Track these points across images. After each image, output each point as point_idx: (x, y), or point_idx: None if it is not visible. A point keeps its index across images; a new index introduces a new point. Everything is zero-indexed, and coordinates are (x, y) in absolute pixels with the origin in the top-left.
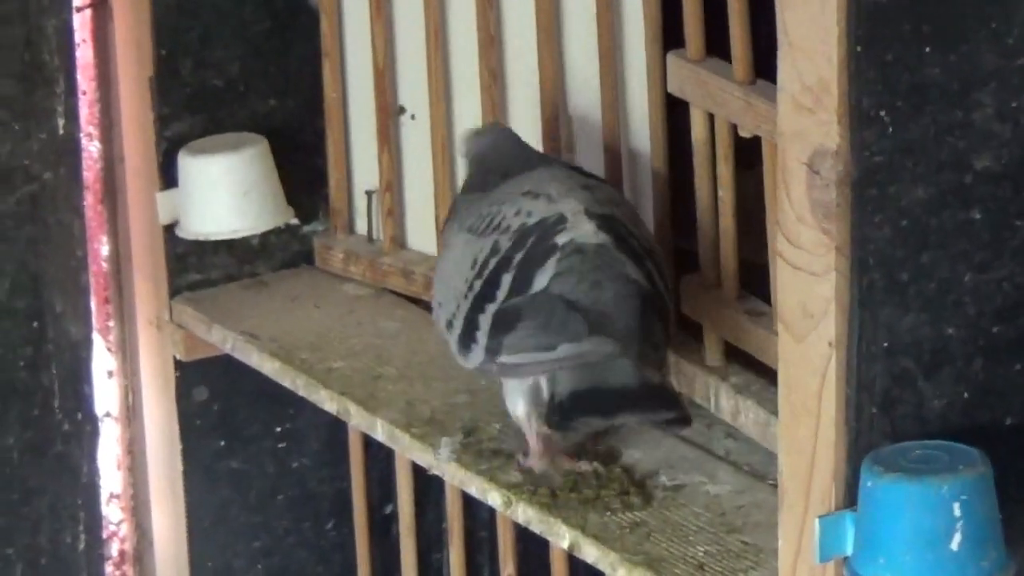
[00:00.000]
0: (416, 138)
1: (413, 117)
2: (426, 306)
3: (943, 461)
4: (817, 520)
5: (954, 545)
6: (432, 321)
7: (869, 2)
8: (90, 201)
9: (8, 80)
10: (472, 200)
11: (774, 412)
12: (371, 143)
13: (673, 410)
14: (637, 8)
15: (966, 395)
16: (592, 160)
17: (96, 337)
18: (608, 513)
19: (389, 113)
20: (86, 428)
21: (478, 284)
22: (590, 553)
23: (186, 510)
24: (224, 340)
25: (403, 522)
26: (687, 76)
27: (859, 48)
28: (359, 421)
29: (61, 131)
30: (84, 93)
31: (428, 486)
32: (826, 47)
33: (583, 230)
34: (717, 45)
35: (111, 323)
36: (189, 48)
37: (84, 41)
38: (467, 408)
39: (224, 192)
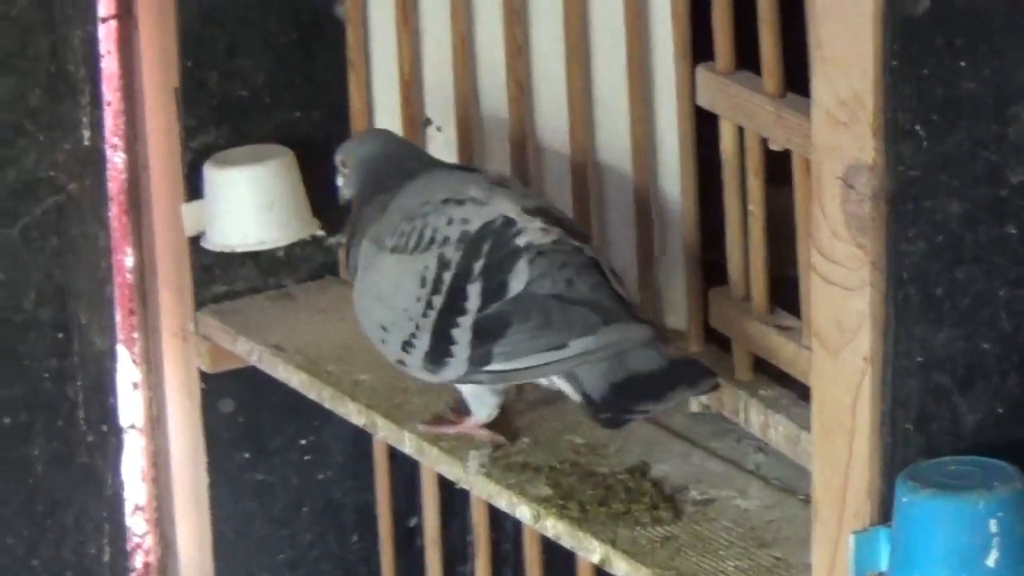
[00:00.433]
0: (442, 150)
1: (439, 129)
2: None
3: (978, 477)
4: (852, 536)
5: (991, 562)
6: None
7: (904, 16)
8: (115, 212)
9: (34, 91)
10: (374, 216)
11: (804, 426)
12: None
13: (712, 377)
14: (666, 20)
15: (1001, 410)
16: (619, 172)
17: (121, 349)
18: (638, 527)
19: (415, 124)
20: (111, 440)
21: (437, 300)
22: (621, 568)
23: (211, 522)
24: (250, 352)
25: (428, 535)
26: (717, 89)
27: (895, 62)
28: (386, 434)
29: (86, 142)
30: (109, 104)
31: (453, 498)
32: (861, 61)
33: (534, 230)
34: (746, 58)
35: (135, 335)
36: (215, 59)
37: (109, 52)
38: (495, 422)
39: (249, 204)
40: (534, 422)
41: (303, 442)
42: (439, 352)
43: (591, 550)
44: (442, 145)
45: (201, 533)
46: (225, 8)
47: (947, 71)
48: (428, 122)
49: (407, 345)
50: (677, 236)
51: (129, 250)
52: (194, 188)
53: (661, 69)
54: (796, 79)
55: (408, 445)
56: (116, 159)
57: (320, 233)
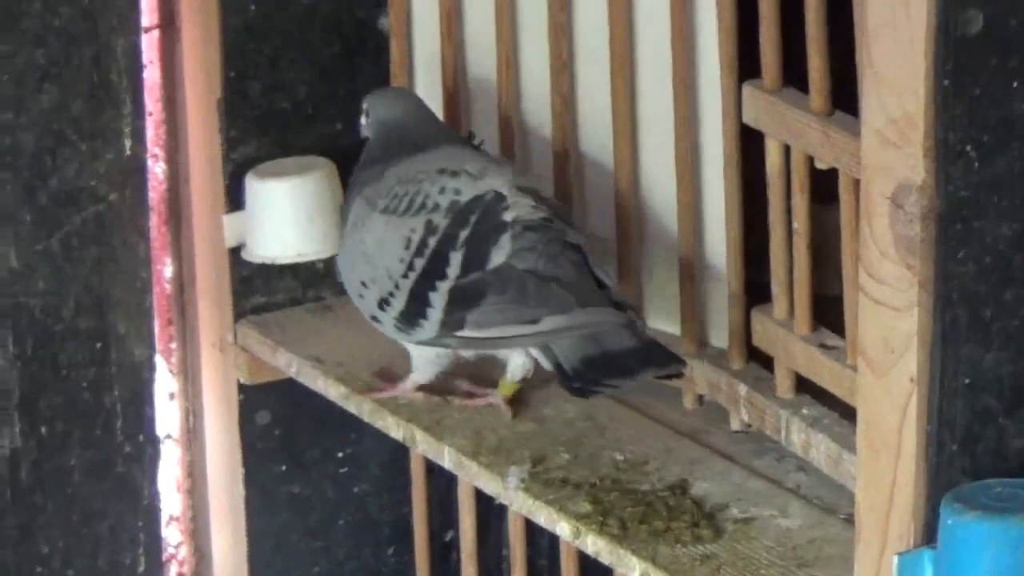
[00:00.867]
0: None
1: (483, 143)
2: None
3: None
4: (896, 557)
5: None
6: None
7: (957, 36)
8: (155, 222)
9: (76, 100)
10: (373, 175)
11: (846, 446)
12: None
13: (678, 362)
14: (712, 36)
15: None
16: (663, 189)
17: (159, 359)
18: (678, 545)
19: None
20: (147, 450)
21: (419, 263)
22: None
23: (246, 534)
24: (289, 364)
25: (464, 549)
26: (763, 106)
27: (946, 82)
28: (426, 448)
29: (128, 152)
30: (151, 114)
31: (489, 513)
32: (913, 81)
33: (524, 207)
34: (793, 75)
35: (173, 345)
36: (258, 70)
37: (152, 62)
38: (535, 437)
39: (290, 216)
40: (574, 438)
41: (340, 455)
42: (413, 313)
43: (631, 567)
44: None
45: (236, 545)
46: (268, 19)
47: (999, 91)
48: (471, 136)
49: (383, 303)
50: (720, 254)
51: (168, 260)
52: (235, 199)
53: (707, 86)
54: (843, 97)
55: (447, 460)
56: (157, 169)
57: None
